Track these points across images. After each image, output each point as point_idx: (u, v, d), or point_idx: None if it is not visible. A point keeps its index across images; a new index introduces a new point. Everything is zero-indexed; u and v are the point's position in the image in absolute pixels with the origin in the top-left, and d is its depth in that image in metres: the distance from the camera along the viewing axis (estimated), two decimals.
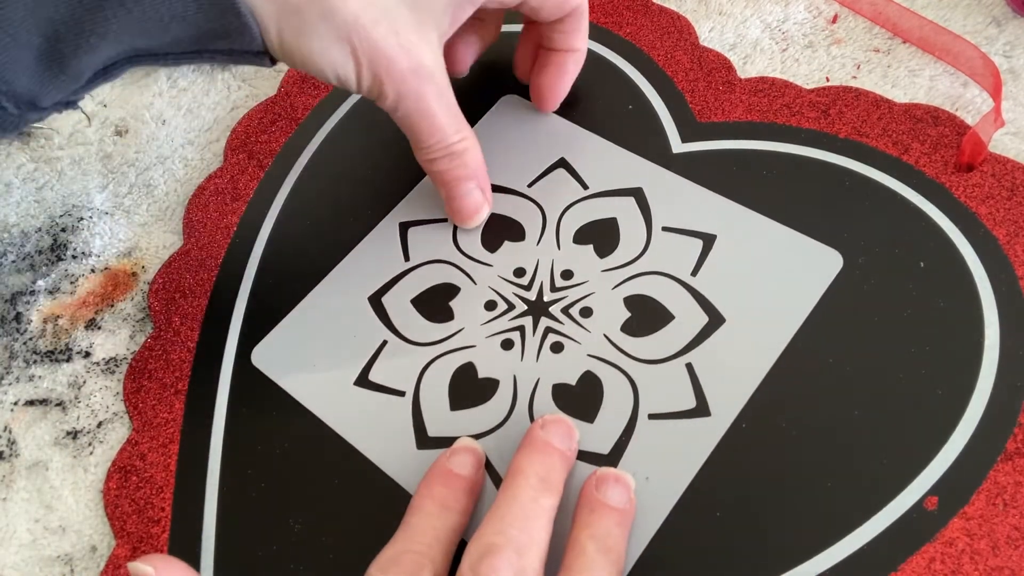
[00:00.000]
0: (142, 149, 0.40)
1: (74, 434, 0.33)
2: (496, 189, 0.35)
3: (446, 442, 0.29)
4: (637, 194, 0.34)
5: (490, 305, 0.32)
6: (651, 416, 0.29)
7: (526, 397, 0.30)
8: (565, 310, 0.31)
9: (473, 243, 0.34)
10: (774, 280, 0.31)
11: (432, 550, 0.25)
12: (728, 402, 0.28)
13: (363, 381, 0.31)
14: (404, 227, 0.35)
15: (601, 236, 0.33)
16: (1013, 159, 0.32)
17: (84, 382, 0.34)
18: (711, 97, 0.36)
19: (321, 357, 0.32)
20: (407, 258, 0.34)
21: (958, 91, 0.35)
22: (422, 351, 0.31)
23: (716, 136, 0.35)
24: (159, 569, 0.24)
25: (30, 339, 0.35)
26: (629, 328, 0.31)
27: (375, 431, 0.30)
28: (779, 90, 0.36)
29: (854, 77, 0.36)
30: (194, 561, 0.28)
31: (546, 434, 0.27)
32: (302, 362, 0.32)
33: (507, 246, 0.33)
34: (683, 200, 0.33)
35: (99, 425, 0.33)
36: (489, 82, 0.38)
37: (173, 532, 0.29)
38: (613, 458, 0.28)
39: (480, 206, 0.33)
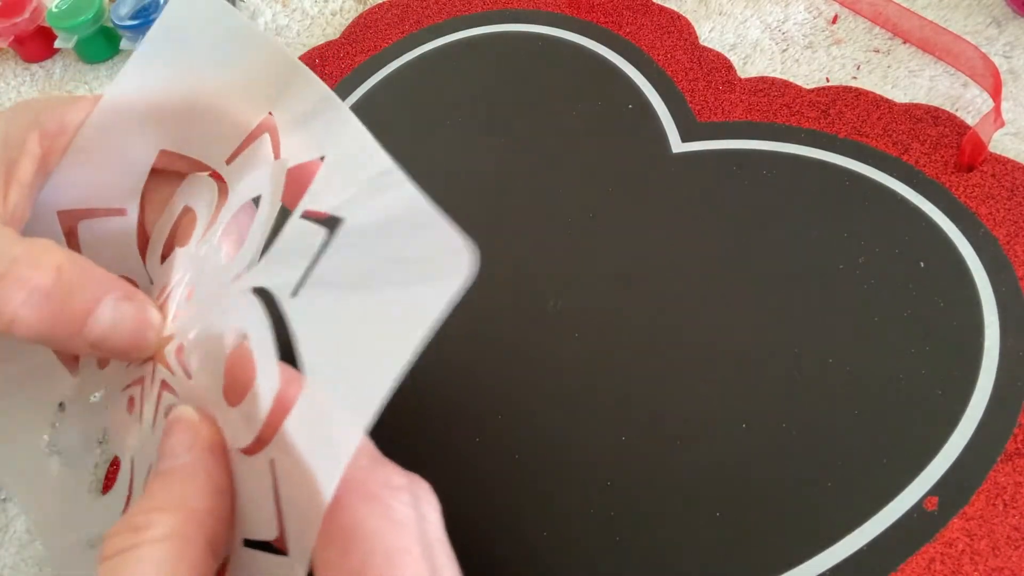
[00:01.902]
0: None
1: None
2: (200, 167, 0.24)
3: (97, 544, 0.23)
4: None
5: None
6: (247, 543, 0.19)
7: (141, 487, 0.21)
8: (178, 352, 0.21)
9: (155, 250, 0.24)
10: (386, 296, 0.18)
11: None
12: (303, 529, 0.18)
13: (52, 446, 0.25)
14: (68, 220, 0.24)
15: (243, 226, 0.22)
16: (1013, 159, 0.32)
17: None
18: (711, 97, 0.36)
19: (7, 406, 0.25)
20: None
21: (958, 91, 0.35)
22: (93, 409, 0.24)
23: (716, 136, 0.35)
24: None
25: None
26: (228, 388, 0.20)
27: (56, 511, 0.24)
28: (779, 90, 0.36)
29: (854, 77, 0.36)
30: None
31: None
32: None
33: (175, 254, 0.23)
34: (356, 165, 0.20)
35: None
36: (494, 85, 0.38)
37: None
38: None
39: (138, 321, 0.21)
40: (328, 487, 0.17)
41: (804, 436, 0.28)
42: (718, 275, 0.31)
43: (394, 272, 0.18)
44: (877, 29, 0.38)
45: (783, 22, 0.39)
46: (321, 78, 0.21)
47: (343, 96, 0.39)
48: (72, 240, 0.24)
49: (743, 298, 0.31)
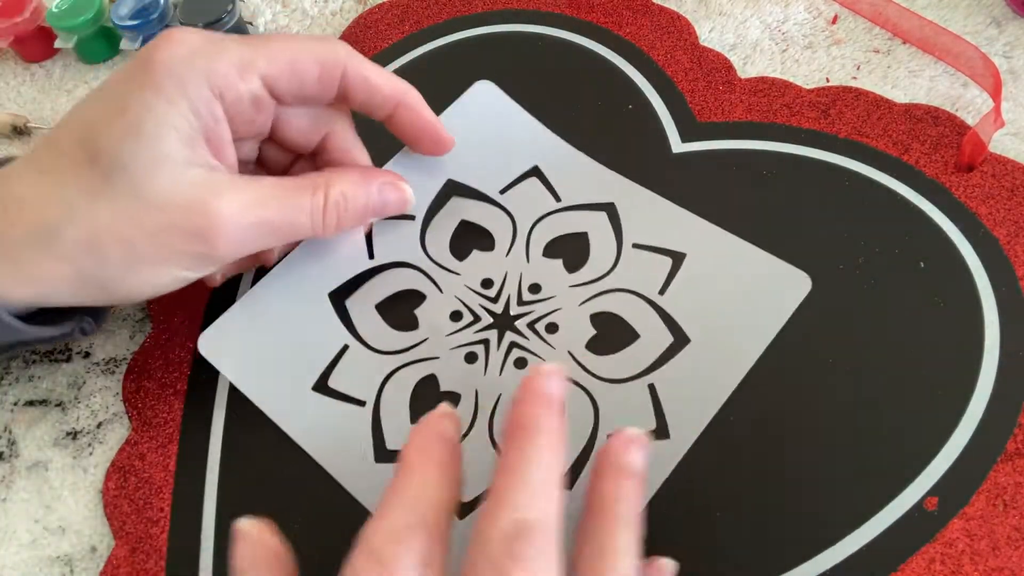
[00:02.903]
0: None
1: (74, 434, 0.33)
2: (467, 193, 0.34)
3: None
4: (609, 209, 0.33)
5: (456, 316, 0.31)
6: (610, 436, 0.27)
7: (487, 412, 0.29)
8: (531, 325, 0.31)
9: (441, 249, 0.33)
10: (741, 301, 0.30)
11: (441, 529, 0.22)
12: (687, 425, 0.28)
13: (322, 387, 0.30)
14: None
15: (571, 251, 0.32)
16: (1013, 159, 0.32)
17: (84, 382, 0.34)
18: (711, 97, 0.36)
19: (276, 354, 0.31)
20: (371, 255, 0.33)
21: (958, 91, 0.35)
22: (385, 360, 0.31)
23: (716, 136, 0.35)
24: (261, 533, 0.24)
25: None
26: (594, 346, 0.30)
27: (332, 440, 0.29)
28: (779, 90, 0.36)
29: (854, 77, 0.36)
30: (193, 561, 0.28)
31: (549, 386, 0.24)
32: (254, 356, 0.31)
33: (475, 255, 0.33)
34: (655, 217, 0.32)
35: (99, 425, 0.33)
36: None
37: (172, 532, 0.29)
38: (570, 477, 0.27)
39: (404, 200, 0.32)
40: (719, 400, 0.28)
41: (804, 436, 0.28)
42: None
43: (739, 290, 0.30)
44: (877, 29, 0.38)
45: (783, 22, 0.39)
46: None
47: None
48: (368, 234, 0.33)
49: None
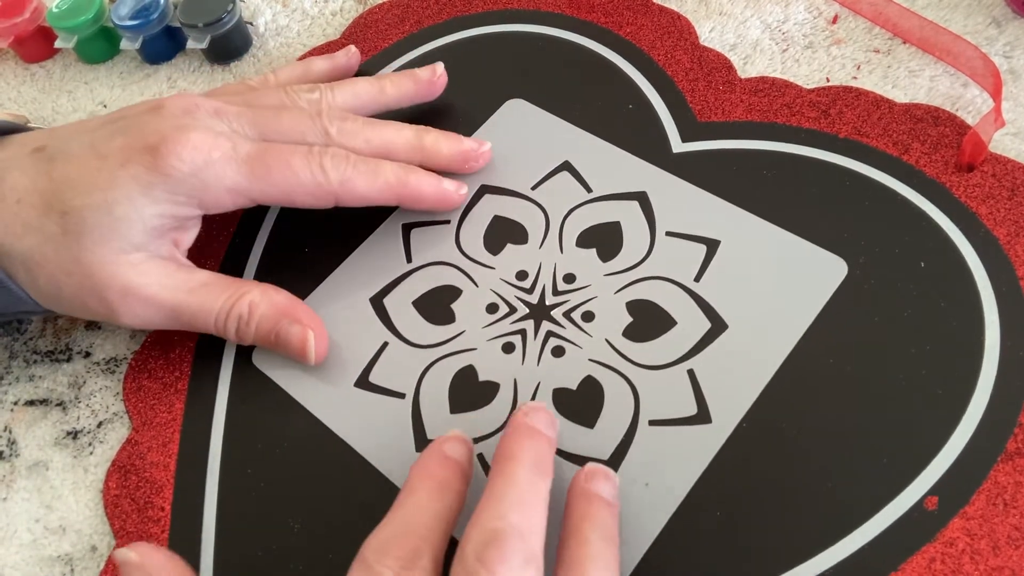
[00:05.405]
0: None
1: (74, 434, 0.33)
2: (499, 191, 0.35)
3: None
4: (641, 198, 0.34)
5: (492, 308, 0.32)
6: (652, 422, 0.28)
7: (526, 401, 0.29)
8: (567, 314, 0.31)
9: (475, 245, 0.34)
10: (778, 287, 0.30)
11: (432, 534, 0.24)
12: (729, 409, 0.28)
13: (363, 383, 0.31)
14: (407, 228, 0.35)
15: (604, 240, 0.33)
16: (1013, 159, 0.32)
17: (84, 382, 0.34)
18: (711, 97, 0.36)
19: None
20: (409, 259, 0.34)
21: (958, 91, 0.35)
22: (423, 353, 0.31)
23: (716, 136, 0.35)
24: (143, 555, 0.24)
25: (30, 339, 0.35)
26: (631, 333, 0.30)
27: (374, 433, 0.30)
28: (779, 90, 0.36)
29: (854, 77, 0.36)
30: (194, 561, 0.28)
31: (532, 420, 0.26)
32: (301, 364, 0.32)
33: (509, 248, 0.33)
34: (687, 204, 0.33)
35: (99, 425, 0.33)
36: (494, 86, 0.39)
37: (173, 531, 0.29)
38: (613, 463, 0.28)
39: (304, 339, 0.31)
40: (759, 384, 0.28)
41: (804, 436, 0.28)
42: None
43: (775, 276, 0.31)
44: (877, 29, 0.38)
45: (783, 22, 0.39)
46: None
47: None
48: (406, 241, 0.34)
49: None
